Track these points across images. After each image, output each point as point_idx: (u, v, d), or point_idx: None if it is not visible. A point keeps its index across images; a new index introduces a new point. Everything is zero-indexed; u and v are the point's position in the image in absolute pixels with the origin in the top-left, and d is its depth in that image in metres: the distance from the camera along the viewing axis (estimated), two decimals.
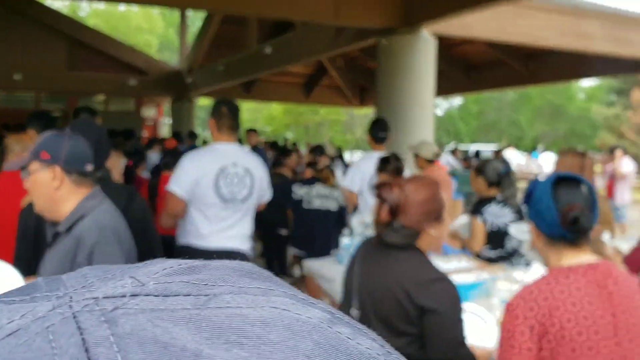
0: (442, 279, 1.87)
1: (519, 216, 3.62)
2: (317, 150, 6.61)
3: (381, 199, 1.88)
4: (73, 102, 15.59)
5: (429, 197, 1.87)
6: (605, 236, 2.80)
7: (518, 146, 26.38)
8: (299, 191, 5.24)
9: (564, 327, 1.54)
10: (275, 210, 6.02)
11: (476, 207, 3.71)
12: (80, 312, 0.28)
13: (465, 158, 14.33)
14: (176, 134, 10.66)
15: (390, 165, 3.96)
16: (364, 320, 1.88)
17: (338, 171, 6.13)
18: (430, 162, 4.83)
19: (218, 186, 3.14)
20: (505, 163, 4.56)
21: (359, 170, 4.45)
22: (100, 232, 1.82)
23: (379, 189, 1.91)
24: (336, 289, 3.28)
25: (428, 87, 7.00)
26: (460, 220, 4.17)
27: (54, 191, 1.84)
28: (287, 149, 8.64)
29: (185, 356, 0.25)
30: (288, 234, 5.99)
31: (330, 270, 3.70)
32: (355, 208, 4.57)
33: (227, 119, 3.26)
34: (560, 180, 1.68)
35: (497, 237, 3.62)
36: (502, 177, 3.74)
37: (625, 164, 9.26)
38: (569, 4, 9.07)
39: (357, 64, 14.84)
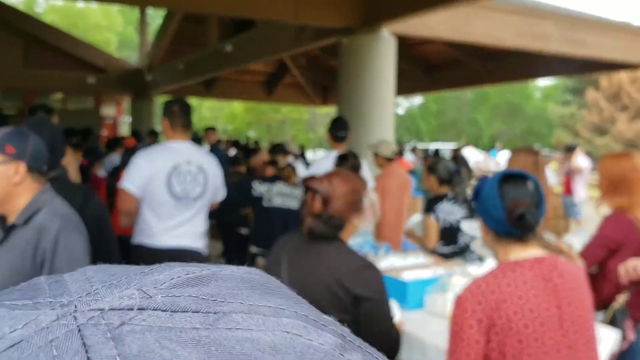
0: (370, 265, 1.98)
1: (470, 213, 3.74)
2: (278, 148, 6.61)
3: (313, 191, 1.97)
4: (29, 100, 15.19)
5: (352, 189, 2.00)
6: (548, 232, 2.88)
7: (476, 145, 26.91)
8: (259, 188, 5.24)
9: (511, 320, 1.59)
10: (236, 209, 6.00)
11: (429, 205, 3.82)
12: (86, 325, 0.27)
13: (425, 157, 14.51)
14: (135, 133, 10.49)
15: (347, 163, 4.01)
16: None
17: (300, 169, 6.13)
18: (390, 160, 4.88)
19: (170, 184, 3.15)
20: (464, 161, 4.66)
21: (319, 169, 4.47)
22: (62, 219, 1.88)
23: (310, 182, 2.01)
24: None
25: (388, 86, 7.08)
26: (414, 219, 4.26)
27: (12, 186, 1.85)
28: (251, 148, 8.61)
29: None
30: (249, 233, 5.98)
31: None
32: None
33: (179, 117, 3.28)
34: (507, 178, 1.71)
35: (449, 234, 3.73)
36: (453, 175, 3.84)
37: (581, 160, 9.53)
38: (525, 5, 9.29)
39: (319, 63, 14.88)
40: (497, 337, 1.59)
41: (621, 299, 2.60)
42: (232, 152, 9.66)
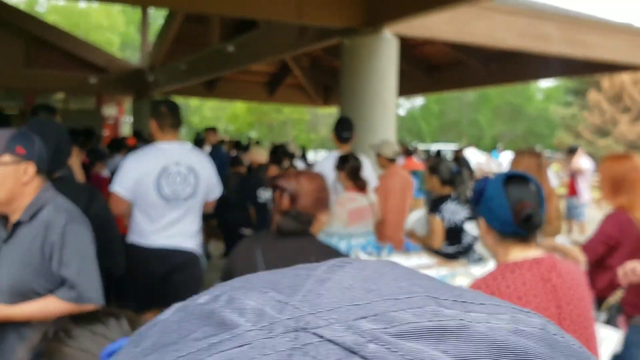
0: (347, 256, 2.03)
1: (473, 213, 3.75)
2: (281, 150, 6.60)
3: (281, 189, 2.05)
4: (31, 100, 15.21)
5: (319, 186, 2.09)
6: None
7: (478, 145, 26.97)
8: (264, 195, 5.24)
9: None
10: (238, 210, 6.02)
11: (434, 205, 3.85)
12: (298, 349, 0.24)
13: (427, 158, 14.52)
14: (137, 133, 10.54)
15: (348, 164, 4.04)
16: None
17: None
18: (392, 160, 4.90)
19: (160, 185, 3.19)
20: (465, 162, 4.69)
21: (322, 169, 4.51)
22: (68, 214, 1.97)
23: (278, 179, 2.10)
24: None
25: (390, 87, 7.10)
26: (412, 217, 4.28)
27: (21, 185, 1.92)
28: (244, 145, 8.61)
29: None
30: (251, 234, 6.00)
31: None
32: None
33: (167, 117, 3.31)
34: (511, 179, 1.74)
35: (454, 234, 3.76)
36: (455, 176, 3.88)
37: (583, 162, 9.55)
38: (527, 6, 9.31)
39: (321, 64, 14.91)
40: None
41: (617, 295, 2.65)
42: (234, 153, 9.68)
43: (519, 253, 1.72)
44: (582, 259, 2.64)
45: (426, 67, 12.97)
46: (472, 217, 3.72)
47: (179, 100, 33.66)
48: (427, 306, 0.26)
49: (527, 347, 0.25)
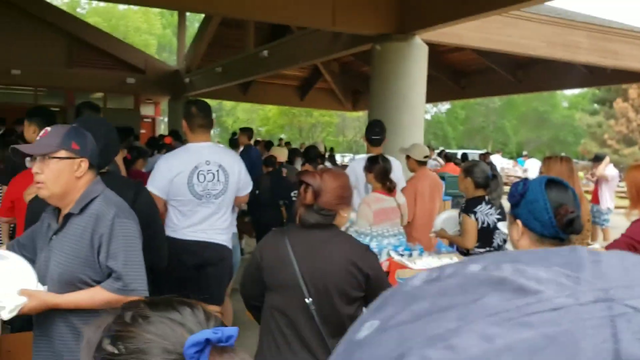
0: (369, 247, 2.30)
1: (502, 217, 3.86)
2: (312, 150, 6.83)
3: (306, 184, 2.19)
4: (71, 98, 15.79)
5: (342, 184, 2.23)
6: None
7: (503, 152, 26.84)
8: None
9: None
10: (271, 209, 6.27)
11: (468, 206, 3.92)
12: (619, 318, 0.26)
13: (455, 161, 14.64)
14: (174, 132, 10.93)
15: (377, 166, 4.11)
16: (323, 300, 2.13)
17: None
18: (421, 163, 4.95)
19: (191, 184, 3.39)
20: (493, 167, 4.74)
21: (354, 171, 4.60)
22: (117, 207, 2.05)
23: (303, 175, 2.24)
24: None
25: (419, 92, 7.28)
26: (441, 217, 4.37)
27: (74, 179, 2.02)
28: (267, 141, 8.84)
29: None
30: None
31: None
32: None
33: (197, 118, 3.49)
34: (550, 183, 1.77)
35: (486, 234, 3.84)
36: (489, 180, 3.94)
37: (609, 169, 9.60)
38: (557, 14, 9.41)
39: (351, 69, 15.14)
40: None
41: None
42: (266, 153, 9.95)
43: None
44: None
45: (453, 74, 13.09)
46: (503, 220, 3.79)
47: (213, 102, 34.13)
48: None
49: None
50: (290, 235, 2.22)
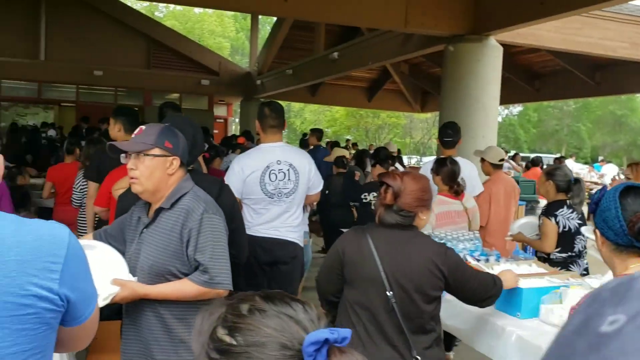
0: (448, 247, 2.35)
1: (583, 223, 3.76)
2: (382, 151, 6.81)
3: (387, 185, 2.25)
4: (148, 99, 16.46)
5: (422, 187, 2.27)
6: None
7: (577, 156, 25.80)
8: (369, 198, 5.39)
9: None
10: (340, 210, 6.31)
11: (549, 209, 3.83)
12: None
13: (527, 165, 14.26)
14: (246, 132, 11.21)
15: (445, 168, 4.06)
16: (404, 297, 2.20)
17: None
18: (496, 166, 4.84)
19: (263, 183, 3.51)
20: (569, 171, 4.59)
21: (426, 173, 4.59)
22: (205, 203, 2.13)
23: (385, 176, 2.29)
24: None
25: (493, 94, 7.14)
26: (518, 222, 4.28)
27: (166, 176, 2.11)
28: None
29: None
30: None
31: None
32: None
33: (269, 119, 3.60)
34: (629, 190, 1.71)
35: (567, 239, 3.76)
36: (571, 184, 3.84)
37: None
38: None
39: (420, 70, 15.00)
40: None
41: None
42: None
43: (638, 265, 1.68)
44: None
45: (527, 75, 12.72)
46: (584, 224, 3.70)
47: (282, 104, 34.36)
48: None
49: None
50: (372, 233, 2.28)
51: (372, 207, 5.26)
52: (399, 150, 14.83)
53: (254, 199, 3.53)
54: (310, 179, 3.66)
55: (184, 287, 2.06)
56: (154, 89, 16.17)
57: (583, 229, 3.57)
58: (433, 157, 4.69)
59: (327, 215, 6.57)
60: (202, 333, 0.82)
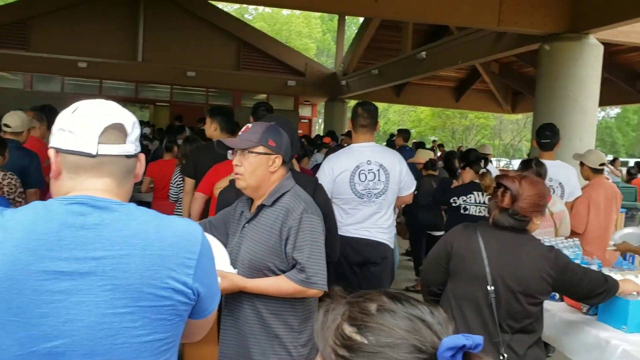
0: (558, 250, 2.32)
1: None
2: (472, 153, 6.60)
3: (505, 187, 2.25)
4: (237, 99, 16.95)
5: (538, 192, 2.26)
6: None
7: None
8: (458, 201, 5.28)
9: None
10: (429, 212, 6.20)
11: None
12: None
13: (629, 171, 13.44)
14: (331, 133, 11.31)
15: (530, 170, 3.91)
16: (510, 297, 2.22)
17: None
18: (596, 171, 4.61)
19: (353, 183, 3.49)
20: None
21: None
22: (305, 202, 2.17)
23: (502, 179, 2.29)
24: None
25: (592, 94, 6.83)
26: (623, 231, 4.06)
27: (268, 173, 2.16)
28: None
29: None
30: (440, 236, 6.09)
31: None
32: None
33: (361, 118, 3.59)
34: None
35: None
36: None
37: None
38: None
39: (511, 69, 14.54)
40: None
41: None
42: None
43: None
44: None
45: (627, 75, 12.01)
46: None
47: None
48: None
49: None
50: (483, 231, 2.32)
51: (462, 211, 5.13)
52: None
53: (344, 198, 3.54)
54: (401, 179, 3.62)
55: (280, 284, 2.10)
56: (243, 90, 16.62)
57: None
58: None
59: (414, 217, 6.49)
60: (325, 329, 0.82)
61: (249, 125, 2.23)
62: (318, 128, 23.53)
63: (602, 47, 6.88)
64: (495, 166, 15.02)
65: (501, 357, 2.22)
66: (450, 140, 30.80)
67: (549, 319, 2.86)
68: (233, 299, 2.21)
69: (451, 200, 5.32)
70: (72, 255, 1.09)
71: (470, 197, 5.14)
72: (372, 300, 0.81)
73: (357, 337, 0.77)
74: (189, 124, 12.28)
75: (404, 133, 9.33)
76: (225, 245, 2.27)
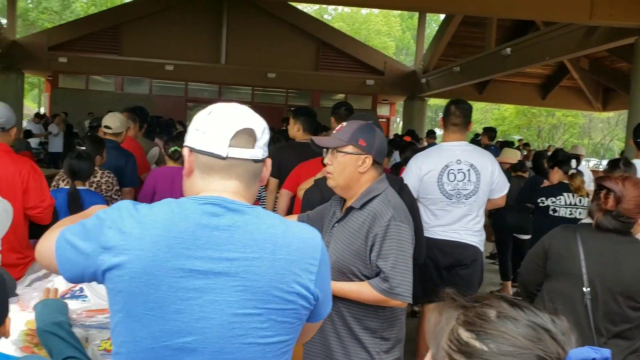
0: None
1: None
2: (560, 153, 6.33)
3: (608, 189, 2.18)
4: (316, 100, 17.10)
5: None
6: None
7: None
8: (546, 203, 5.09)
9: None
10: (517, 215, 5.98)
11: None
12: None
13: None
14: (411, 132, 11.17)
15: (617, 170, 3.70)
16: (608, 299, 2.17)
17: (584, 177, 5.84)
18: None
19: (441, 183, 3.36)
20: None
21: None
22: (394, 209, 2.06)
23: (604, 180, 2.23)
24: None
25: None
26: None
27: (358, 174, 2.09)
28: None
29: None
30: (528, 239, 5.89)
31: None
32: None
33: (453, 117, 3.46)
34: None
35: None
36: None
37: None
38: None
39: (602, 65, 13.82)
40: None
41: None
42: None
43: None
44: None
45: None
46: None
47: (446, 102, 33.80)
48: None
49: None
50: (582, 233, 2.29)
51: (552, 213, 4.92)
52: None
53: (431, 199, 3.43)
54: (492, 180, 3.46)
55: (362, 290, 2.06)
56: (321, 90, 16.76)
57: None
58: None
59: (501, 219, 6.27)
60: (438, 330, 0.80)
61: (344, 123, 2.18)
62: (396, 127, 23.34)
63: None
64: (584, 166, 14.37)
65: None
66: (536, 139, 29.67)
67: None
68: None
69: (539, 201, 5.13)
70: (206, 255, 1.13)
71: (560, 198, 4.93)
72: (491, 305, 0.78)
73: (476, 344, 0.75)
74: (270, 124, 12.51)
75: (490, 132, 9.03)
76: None
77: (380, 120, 18.43)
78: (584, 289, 2.19)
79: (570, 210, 4.87)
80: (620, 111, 19.19)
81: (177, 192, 4.41)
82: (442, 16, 15.30)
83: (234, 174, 1.21)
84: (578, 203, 4.85)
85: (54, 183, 3.66)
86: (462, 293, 0.87)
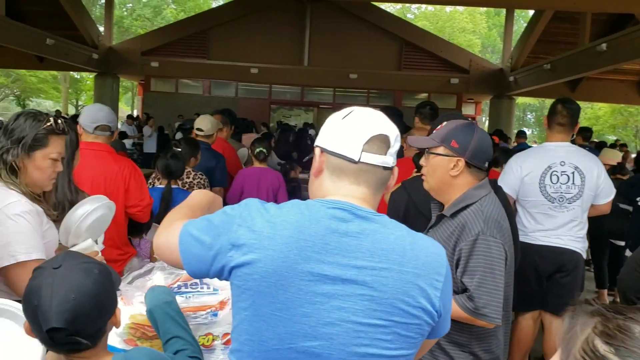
0: None
1: None
2: None
3: None
4: (398, 99, 16.95)
5: None
6: None
7: None
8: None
9: None
10: (615, 219, 5.66)
11: None
12: None
13: None
14: (499, 132, 10.85)
15: None
16: None
17: None
18: None
19: (543, 185, 3.20)
20: None
21: None
22: (485, 222, 1.90)
23: None
24: None
25: None
26: None
27: (449, 177, 1.97)
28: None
29: None
30: (625, 244, 5.57)
31: None
32: None
33: (559, 116, 3.29)
34: None
35: None
36: None
37: None
38: None
39: None
40: None
41: None
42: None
43: None
44: None
45: None
46: None
47: (535, 101, 32.80)
48: None
49: None
50: None
51: None
52: None
53: (532, 201, 3.28)
54: (598, 185, 3.27)
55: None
56: (404, 90, 16.60)
57: None
58: None
59: (598, 224, 5.93)
60: (571, 337, 0.76)
61: (444, 123, 2.08)
62: (482, 127, 22.70)
63: None
64: None
65: None
66: (633, 140, 27.96)
67: None
68: None
69: (637, 199, 4.87)
70: (335, 261, 1.12)
71: None
72: (636, 320, 0.73)
73: (614, 359, 0.70)
74: None
75: (585, 132, 8.58)
76: None
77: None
78: None
79: None
80: None
81: (262, 191, 4.53)
82: (531, 12, 14.73)
83: (362, 179, 1.19)
84: None
85: (150, 181, 3.83)
86: (565, 301, 0.81)
